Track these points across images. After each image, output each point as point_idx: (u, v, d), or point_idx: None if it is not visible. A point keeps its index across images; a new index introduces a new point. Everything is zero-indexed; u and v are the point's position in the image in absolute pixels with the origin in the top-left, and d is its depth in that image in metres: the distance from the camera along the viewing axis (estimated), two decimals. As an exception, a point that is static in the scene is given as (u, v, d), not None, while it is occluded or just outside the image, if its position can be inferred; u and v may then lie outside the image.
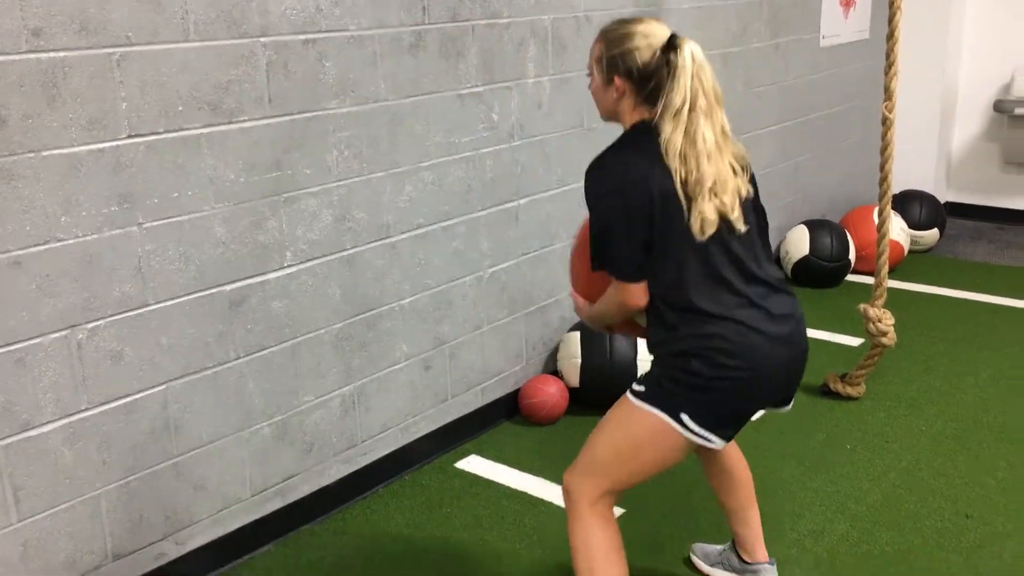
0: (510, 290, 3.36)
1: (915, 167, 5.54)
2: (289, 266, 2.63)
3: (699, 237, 1.90)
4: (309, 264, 2.68)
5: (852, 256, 4.75)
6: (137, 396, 2.34)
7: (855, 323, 3.85)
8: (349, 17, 2.65)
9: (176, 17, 2.27)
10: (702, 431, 1.94)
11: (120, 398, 2.30)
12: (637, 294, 1.96)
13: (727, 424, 1.98)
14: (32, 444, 2.16)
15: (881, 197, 3.31)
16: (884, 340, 3.41)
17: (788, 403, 2.12)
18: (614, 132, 2.02)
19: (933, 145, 5.71)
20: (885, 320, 3.39)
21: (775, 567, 2.41)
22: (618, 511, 2.40)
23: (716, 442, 1.97)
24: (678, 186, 1.88)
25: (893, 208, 3.53)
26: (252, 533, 2.66)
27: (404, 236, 2.94)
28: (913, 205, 5.23)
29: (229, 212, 2.46)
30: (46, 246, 2.12)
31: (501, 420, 3.42)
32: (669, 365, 1.96)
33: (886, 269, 3.39)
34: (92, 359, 2.23)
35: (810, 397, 3.54)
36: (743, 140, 4.59)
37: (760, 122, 4.55)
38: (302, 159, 2.61)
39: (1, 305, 2.07)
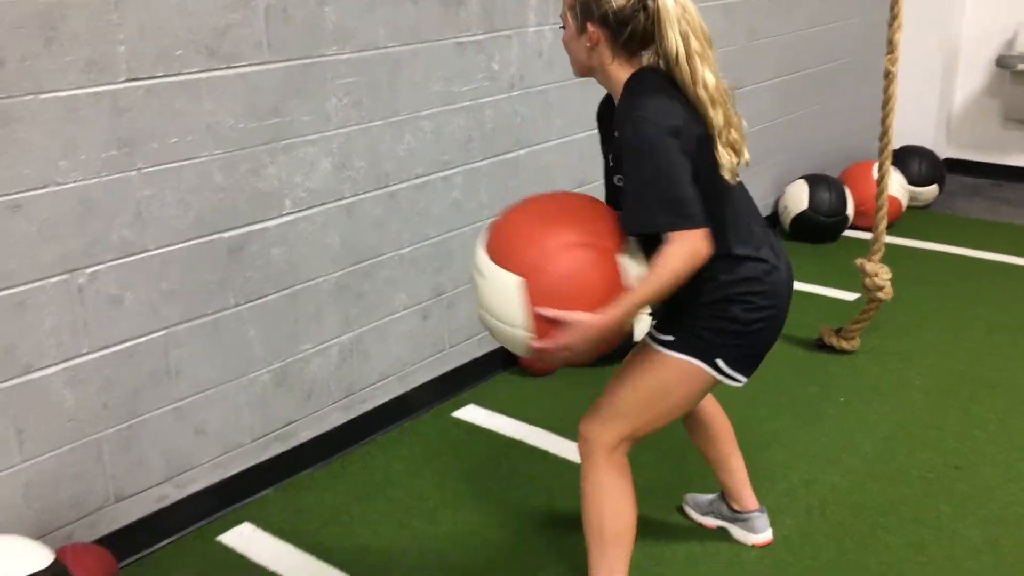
0: (508, 241, 3.36)
1: (915, 123, 5.52)
2: (288, 214, 2.63)
3: (729, 180, 1.90)
4: (308, 212, 2.68)
5: (850, 211, 4.76)
6: (138, 341, 2.35)
7: (851, 278, 3.85)
8: (349, -38, 2.63)
9: (174, -41, 2.24)
10: (734, 372, 1.99)
11: (121, 342, 2.32)
12: (708, 240, 1.82)
13: (756, 363, 2.04)
14: (34, 387, 2.18)
15: (881, 152, 3.30)
16: (880, 295, 3.43)
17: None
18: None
19: (934, 101, 5.68)
20: (882, 274, 3.40)
21: (765, 514, 2.46)
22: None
23: (743, 381, 2.02)
24: (705, 127, 1.86)
25: (892, 164, 3.52)
26: (252, 477, 2.70)
27: (403, 185, 2.93)
28: (912, 161, 5.22)
29: (228, 158, 2.45)
30: (45, 189, 2.11)
31: (498, 370, 3.45)
32: (706, 315, 1.95)
33: (884, 224, 3.40)
34: (93, 303, 2.24)
35: (805, 350, 3.57)
36: (743, 94, 4.55)
37: (760, 75, 4.52)
38: (301, 106, 2.59)
39: (1, 248, 2.07)
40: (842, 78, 5.21)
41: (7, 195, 2.06)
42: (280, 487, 2.77)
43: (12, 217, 2.07)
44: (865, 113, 5.37)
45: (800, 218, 4.70)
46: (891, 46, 3.17)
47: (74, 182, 2.16)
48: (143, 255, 2.32)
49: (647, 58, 1.92)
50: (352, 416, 2.96)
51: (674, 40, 1.82)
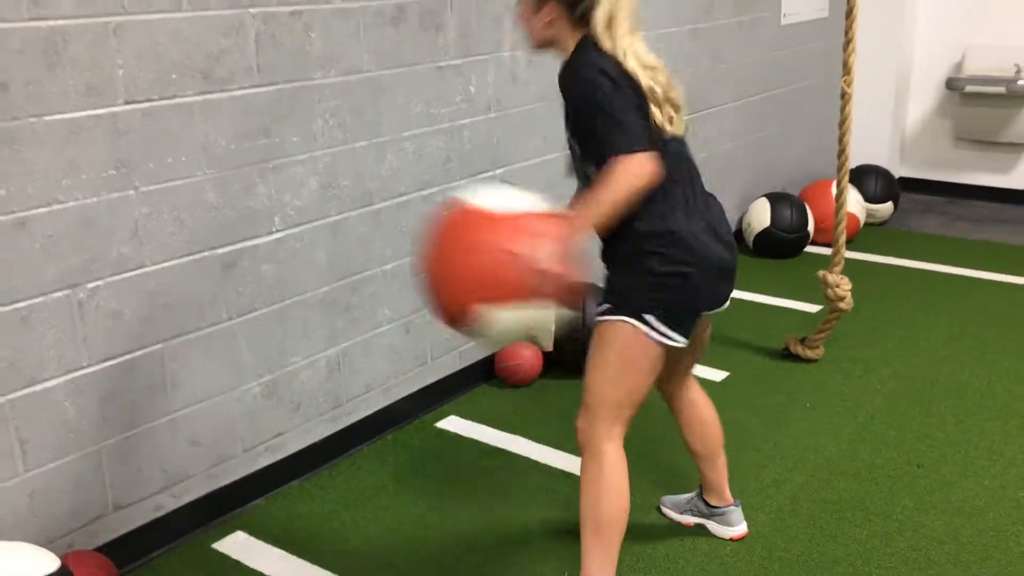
0: (486, 257, 3.47)
1: (870, 143, 5.74)
2: (278, 231, 2.73)
3: (662, 135, 2.04)
4: (297, 230, 2.78)
5: (811, 228, 4.94)
6: (136, 354, 2.43)
7: (813, 291, 4.02)
8: (334, -10, 2.75)
9: (170, -12, 2.35)
10: (666, 330, 2.08)
11: (120, 355, 2.40)
12: (655, 162, 1.98)
13: (686, 322, 2.13)
14: (37, 399, 2.25)
15: (839, 168, 3.48)
16: (841, 305, 3.59)
17: (726, 302, 2.23)
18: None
19: (888, 122, 5.91)
20: (843, 285, 3.56)
21: (740, 507, 2.59)
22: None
23: (679, 340, 2.11)
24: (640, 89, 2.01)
25: (850, 182, 3.70)
26: (243, 487, 2.77)
27: (386, 204, 3.04)
28: (869, 179, 5.42)
29: (220, 178, 2.55)
30: (48, 208, 2.20)
31: (478, 382, 3.56)
32: (626, 271, 2.10)
33: (844, 237, 3.56)
34: (93, 318, 2.32)
35: (771, 359, 3.72)
36: (708, 115, 4.73)
37: (724, 97, 4.71)
38: (289, 127, 2.70)
39: (7, 264, 2.15)
40: (801, 100, 5.42)
41: (13, 213, 2.14)
42: (271, 496, 2.85)
43: (17, 234, 2.15)
44: (823, 134, 5.60)
45: (763, 235, 4.88)
46: (847, 68, 3.35)
47: (75, 200, 2.25)
48: (140, 271, 2.41)
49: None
50: (339, 428, 3.05)
51: (605, 9, 2.00)
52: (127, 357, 2.42)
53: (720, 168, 4.63)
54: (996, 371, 3.57)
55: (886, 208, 5.47)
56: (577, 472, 2.25)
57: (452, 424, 3.29)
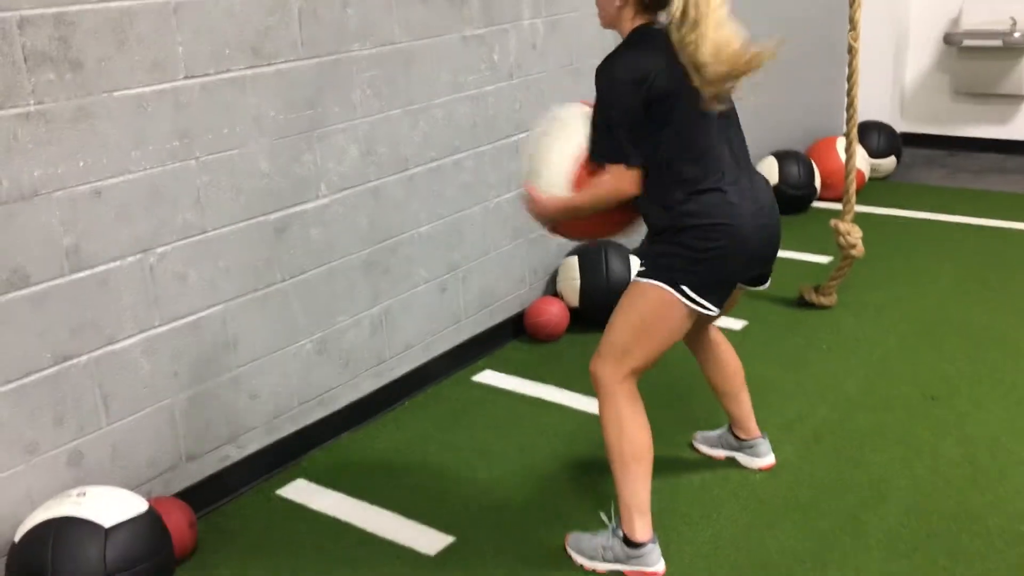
0: (513, 219, 3.64)
1: (871, 99, 5.88)
2: (323, 197, 2.89)
3: (706, 120, 2.18)
4: (340, 195, 2.94)
5: (818, 184, 5.10)
6: (201, 314, 2.60)
7: (823, 243, 4.20)
8: (367, -35, 2.89)
9: (221, -32, 2.50)
10: (700, 299, 2.22)
11: (187, 315, 2.57)
12: (633, 179, 2.21)
13: (721, 292, 2.28)
14: (116, 356, 2.42)
15: (848, 120, 3.63)
16: (853, 252, 3.76)
17: (766, 281, 2.42)
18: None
19: (888, 78, 6.05)
20: (854, 233, 3.73)
21: (767, 439, 2.77)
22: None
23: (712, 309, 2.25)
24: (683, 72, 2.12)
25: (857, 133, 3.85)
26: (299, 439, 2.95)
27: (420, 169, 3.20)
28: (872, 134, 5.58)
29: (271, 147, 2.70)
30: (121, 178, 2.36)
31: (509, 339, 3.73)
32: (664, 242, 2.24)
33: (854, 187, 3.73)
34: (162, 280, 2.49)
35: (788, 307, 3.90)
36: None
37: (730, 59, 4.84)
38: (331, 98, 2.85)
39: (87, 231, 2.31)
40: (805, 61, 5.55)
41: (90, 183, 2.30)
42: (324, 448, 3.02)
43: (95, 203, 2.31)
44: (826, 92, 5.75)
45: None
46: (853, 23, 3.50)
47: (144, 170, 2.41)
48: (202, 236, 2.57)
49: (663, 16, 2.20)
50: (383, 383, 3.22)
51: (677, 6, 2.11)
52: (193, 317, 2.59)
53: (729, 128, 4.76)
54: (1001, 310, 3.75)
55: (889, 163, 5.63)
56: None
57: (488, 377, 3.46)
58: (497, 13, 3.40)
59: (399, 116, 3.09)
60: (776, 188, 5.01)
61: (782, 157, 5.08)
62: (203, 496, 2.66)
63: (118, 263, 2.39)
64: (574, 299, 3.74)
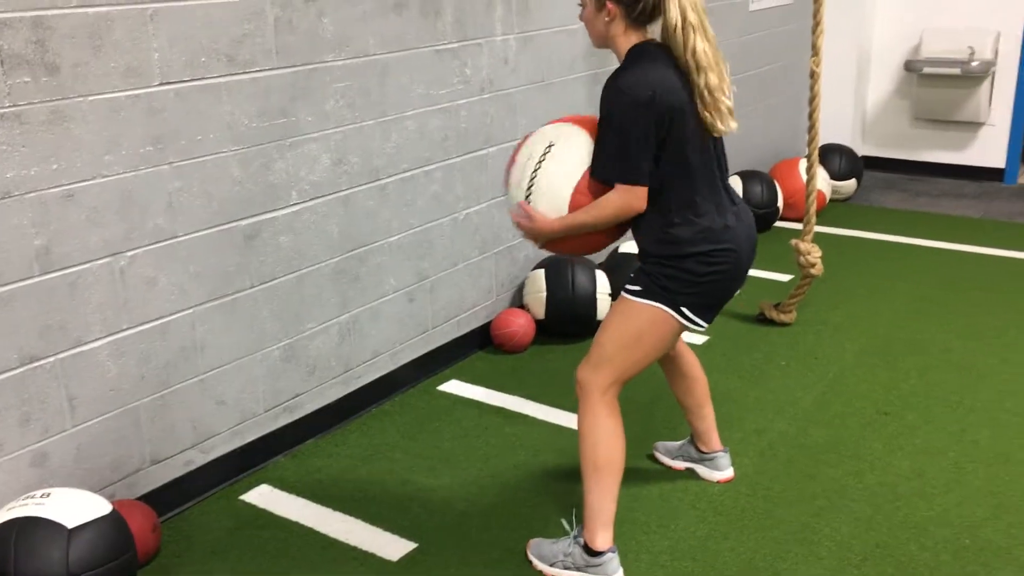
0: (482, 231, 3.69)
1: (834, 123, 6.02)
2: (294, 204, 2.92)
3: (703, 142, 2.24)
4: (311, 203, 2.97)
5: (780, 204, 5.21)
6: (169, 318, 2.62)
7: (785, 262, 4.30)
8: (343, -22, 2.94)
9: (198, -24, 2.53)
10: (696, 318, 2.31)
11: (155, 319, 2.58)
12: (643, 197, 2.24)
13: (716, 309, 2.37)
14: (83, 358, 2.43)
15: (810, 142, 3.73)
16: (812, 271, 3.85)
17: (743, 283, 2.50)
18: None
19: (850, 102, 6.20)
20: (814, 252, 3.83)
21: (728, 453, 2.83)
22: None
23: (705, 325, 2.34)
24: (689, 94, 2.19)
25: (818, 156, 3.96)
26: (265, 445, 2.97)
27: (391, 179, 3.24)
28: (833, 157, 5.71)
29: (243, 154, 2.73)
30: (93, 181, 2.38)
31: (475, 349, 3.77)
32: (667, 267, 2.28)
33: (815, 207, 3.83)
34: (132, 284, 2.51)
35: (748, 324, 3.98)
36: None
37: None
38: (305, 107, 2.89)
39: (58, 233, 2.32)
40: (769, 83, 5.68)
41: (62, 185, 2.32)
42: (290, 454, 3.05)
43: (67, 205, 2.33)
44: (789, 115, 5.88)
45: (736, 210, 5.13)
46: (815, 49, 3.60)
47: (116, 174, 2.43)
48: (173, 241, 2.59)
49: (650, 31, 2.27)
50: (350, 390, 3.25)
51: (675, 13, 2.17)
52: (161, 321, 2.60)
53: (695, 147, 4.86)
54: (953, 330, 3.86)
55: (850, 185, 5.76)
56: (570, 426, 2.47)
57: (453, 387, 3.50)
58: (471, 28, 3.46)
59: (372, 127, 3.14)
60: (740, 207, 5.11)
61: (746, 177, 5.18)
62: (167, 500, 2.67)
63: (88, 265, 2.40)
64: (540, 311, 3.79)
